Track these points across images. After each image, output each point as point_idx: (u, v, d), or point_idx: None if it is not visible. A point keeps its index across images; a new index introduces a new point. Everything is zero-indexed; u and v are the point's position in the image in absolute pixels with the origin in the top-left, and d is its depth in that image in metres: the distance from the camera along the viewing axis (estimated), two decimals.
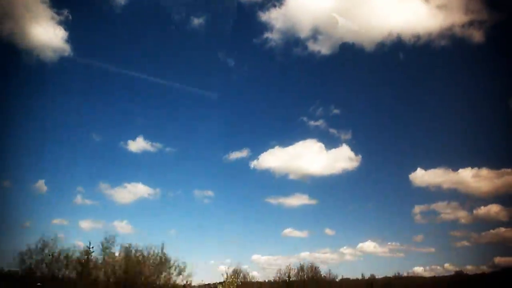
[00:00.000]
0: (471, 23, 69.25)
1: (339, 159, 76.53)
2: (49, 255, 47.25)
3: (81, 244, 67.28)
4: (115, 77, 78.85)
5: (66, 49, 68.47)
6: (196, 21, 78.25)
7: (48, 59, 69.84)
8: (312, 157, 77.84)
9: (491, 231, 69.56)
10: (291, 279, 63.39)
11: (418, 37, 70.09)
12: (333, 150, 78.92)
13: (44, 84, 72.80)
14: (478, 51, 70.18)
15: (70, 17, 69.05)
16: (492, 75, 71.81)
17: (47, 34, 66.85)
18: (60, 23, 68.85)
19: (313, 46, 76.59)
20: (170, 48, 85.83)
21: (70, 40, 67.95)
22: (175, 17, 79.75)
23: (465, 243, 74.07)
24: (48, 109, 74.42)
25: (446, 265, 71.79)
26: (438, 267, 73.09)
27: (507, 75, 68.58)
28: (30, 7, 66.43)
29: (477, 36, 69.61)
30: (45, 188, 71.45)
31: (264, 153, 79.77)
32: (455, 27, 68.65)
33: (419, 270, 73.49)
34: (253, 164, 78.19)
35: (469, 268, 68.07)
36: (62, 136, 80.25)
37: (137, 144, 77.88)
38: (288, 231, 79.15)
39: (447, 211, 73.36)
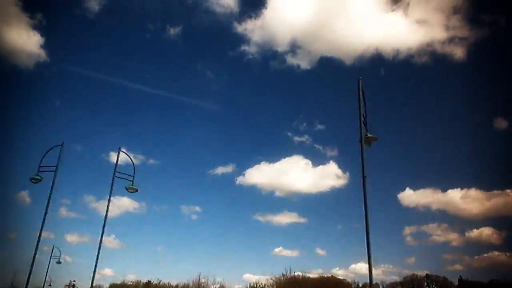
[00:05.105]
0: (451, 40, 70.79)
1: (327, 176, 76.77)
2: None
3: (68, 259, 66.43)
4: (92, 85, 78.30)
5: (42, 54, 67.54)
6: (172, 31, 78.51)
7: (23, 64, 68.78)
8: (298, 174, 77.75)
9: (485, 254, 69.31)
10: None
11: (397, 51, 71.38)
12: (320, 167, 79.19)
13: (20, 91, 71.37)
14: (460, 67, 71.56)
15: (44, 22, 68.46)
16: (476, 94, 72.93)
17: (21, 39, 65.90)
18: (35, 27, 68.47)
19: (291, 60, 77.58)
20: (147, 57, 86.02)
21: (46, 45, 67.02)
22: (150, 26, 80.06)
23: (458, 266, 73.59)
24: (25, 117, 72.81)
25: None
26: None
27: (491, 94, 69.72)
28: (3, 10, 65.14)
29: (458, 53, 70.81)
30: (28, 199, 69.30)
31: (250, 169, 79.62)
32: (436, 43, 70.12)
33: None
34: (239, 180, 77.96)
35: None
36: (42, 145, 77.89)
37: (120, 156, 76.29)
38: (278, 250, 78.05)
39: (438, 233, 72.85)
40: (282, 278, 64.31)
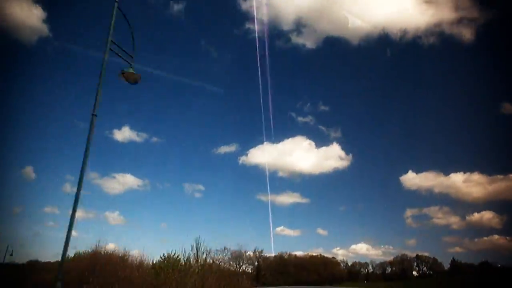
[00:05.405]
0: (460, 21, 66.49)
1: (330, 157, 75.02)
2: None
3: (74, 233, 67.42)
4: (94, 61, 77.08)
5: (44, 29, 66.58)
6: (176, 7, 76.61)
7: (25, 39, 68.06)
8: (302, 155, 76.22)
9: (485, 238, 68.54)
10: None
11: (404, 31, 67.65)
12: (323, 148, 77.38)
13: (23, 66, 70.82)
14: (468, 50, 67.21)
15: None
16: (483, 76, 69.27)
17: (23, 13, 64.78)
18: (37, 1, 67.15)
19: (296, 39, 74.55)
20: (151, 34, 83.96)
21: (48, 20, 66.10)
22: (152, 1, 78.18)
23: (458, 249, 73.33)
24: (28, 93, 72.46)
25: None
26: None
27: (498, 77, 66.00)
28: None
29: (467, 34, 66.63)
30: (33, 175, 67.64)
31: (253, 148, 78.35)
32: (444, 24, 65.97)
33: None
34: (242, 159, 76.98)
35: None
36: (45, 121, 78.94)
37: (123, 134, 76.59)
38: (280, 229, 76.93)
39: (439, 215, 71.85)
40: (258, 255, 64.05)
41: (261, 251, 62.49)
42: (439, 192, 71.78)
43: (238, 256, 60.97)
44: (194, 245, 45.65)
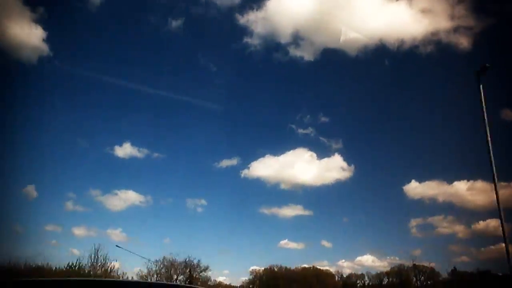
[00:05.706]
0: (457, 29, 65.73)
1: (332, 169, 73.11)
2: None
3: (76, 252, 66.68)
4: (96, 79, 77.24)
5: (45, 48, 66.60)
6: (174, 23, 76.97)
7: (26, 59, 68.10)
8: (303, 167, 74.69)
9: (491, 247, 65.44)
10: None
11: (402, 41, 66.80)
12: (325, 160, 75.46)
13: (24, 85, 70.72)
14: (466, 57, 66.17)
15: (46, 16, 67.48)
16: (482, 84, 67.71)
17: (23, 32, 64.65)
18: (37, 21, 67.24)
19: (294, 52, 74.39)
20: (149, 50, 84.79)
21: (48, 39, 66.20)
22: (151, 18, 78.68)
23: (465, 258, 70.81)
24: (28, 112, 72.44)
25: None
26: None
27: (497, 84, 64.59)
28: (3, 4, 64.12)
29: (464, 42, 65.63)
30: (35, 193, 65.32)
31: (255, 161, 77.10)
32: (441, 32, 65.07)
33: None
34: (244, 173, 75.57)
35: None
36: (48, 140, 78.77)
37: (124, 150, 76.17)
38: (284, 242, 74.00)
39: (444, 225, 69.01)
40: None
41: (199, 261, 59.27)
42: (443, 201, 69.28)
43: (171, 266, 58.25)
44: (92, 254, 42.61)
